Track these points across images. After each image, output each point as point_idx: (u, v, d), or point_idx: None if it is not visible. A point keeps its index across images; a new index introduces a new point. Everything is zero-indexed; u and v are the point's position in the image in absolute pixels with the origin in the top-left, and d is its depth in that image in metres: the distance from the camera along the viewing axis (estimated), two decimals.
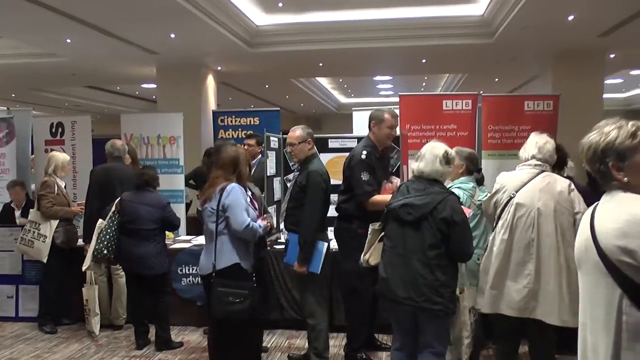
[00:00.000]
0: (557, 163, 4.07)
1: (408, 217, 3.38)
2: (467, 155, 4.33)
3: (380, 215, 3.69)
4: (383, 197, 4.26)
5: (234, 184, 3.90)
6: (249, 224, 3.82)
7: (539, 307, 3.59)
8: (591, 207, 2.00)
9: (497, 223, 3.79)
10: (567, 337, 3.31)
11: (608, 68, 10.57)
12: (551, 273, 3.56)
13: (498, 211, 3.78)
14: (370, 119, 4.69)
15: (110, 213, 5.06)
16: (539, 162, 3.74)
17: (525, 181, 3.70)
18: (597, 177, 2.00)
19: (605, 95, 10.44)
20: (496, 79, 14.02)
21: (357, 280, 4.36)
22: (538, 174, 3.71)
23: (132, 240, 5.00)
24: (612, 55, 10.14)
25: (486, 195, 4.16)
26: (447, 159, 3.47)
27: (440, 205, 3.32)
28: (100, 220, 5.13)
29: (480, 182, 4.37)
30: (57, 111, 18.30)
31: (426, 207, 3.33)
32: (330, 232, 4.89)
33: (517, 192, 3.69)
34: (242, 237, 3.87)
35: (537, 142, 3.79)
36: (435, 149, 3.47)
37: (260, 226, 3.95)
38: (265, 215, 4.33)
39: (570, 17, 7.63)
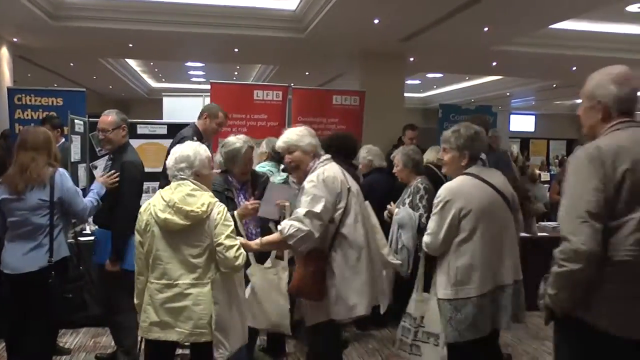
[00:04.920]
0: (348, 153, 4.64)
1: None
2: (273, 146, 4.52)
3: None
4: None
5: (61, 170, 3.69)
6: (89, 207, 3.85)
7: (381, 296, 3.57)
8: (467, 179, 3.33)
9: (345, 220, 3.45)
10: None
11: (408, 70, 11.42)
12: (379, 261, 3.65)
13: (343, 204, 3.42)
14: (205, 110, 4.97)
15: None
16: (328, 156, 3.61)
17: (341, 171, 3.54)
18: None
19: (405, 95, 11.29)
20: (307, 73, 14.49)
21: None
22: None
23: None
24: (411, 59, 10.98)
25: (285, 180, 4.36)
26: None
27: None
28: None
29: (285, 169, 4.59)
30: None
31: None
32: None
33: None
34: (82, 221, 3.83)
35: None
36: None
37: None
38: None
39: (376, 21, 8.13)
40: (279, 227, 3.27)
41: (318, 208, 3.22)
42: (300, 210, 3.21)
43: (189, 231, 3.00)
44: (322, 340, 3.50)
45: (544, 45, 9.87)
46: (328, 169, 3.40)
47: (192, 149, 3.16)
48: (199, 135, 4.76)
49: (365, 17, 8.00)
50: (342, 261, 3.32)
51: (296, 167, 3.48)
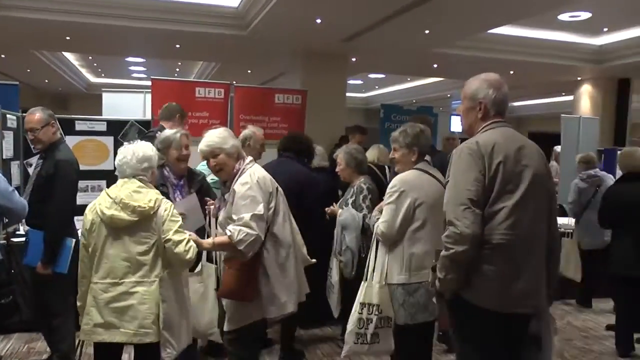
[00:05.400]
0: (303, 151, 4.87)
1: None
2: None
3: None
4: None
5: None
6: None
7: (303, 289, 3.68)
8: (418, 173, 3.51)
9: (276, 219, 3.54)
10: None
11: (350, 70, 11.48)
12: (300, 259, 3.69)
13: (274, 203, 3.52)
14: (177, 111, 4.87)
15: None
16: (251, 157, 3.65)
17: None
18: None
19: (348, 94, 11.35)
20: (249, 71, 14.42)
21: None
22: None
23: None
24: (353, 59, 11.06)
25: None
26: None
27: None
28: None
29: None
30: None
31: None
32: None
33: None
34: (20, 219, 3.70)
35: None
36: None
37: None
38: None
39: (318, 21, 8.15)
40: (228, 233, 3.25)
41: (260, 210, 3.26)
42: (245, 215, 3.22)
43: (135, 227, 2.98)
44: (248, 342, 3.53)
45: (483, 49, 10.17)
46: (257, 171, 3.46)
47: (151, 149, 3.20)
48: None
49: (308, 17, 8.00)
50: (273, 260, 3.40)
51: (220, 170, 3.48)
